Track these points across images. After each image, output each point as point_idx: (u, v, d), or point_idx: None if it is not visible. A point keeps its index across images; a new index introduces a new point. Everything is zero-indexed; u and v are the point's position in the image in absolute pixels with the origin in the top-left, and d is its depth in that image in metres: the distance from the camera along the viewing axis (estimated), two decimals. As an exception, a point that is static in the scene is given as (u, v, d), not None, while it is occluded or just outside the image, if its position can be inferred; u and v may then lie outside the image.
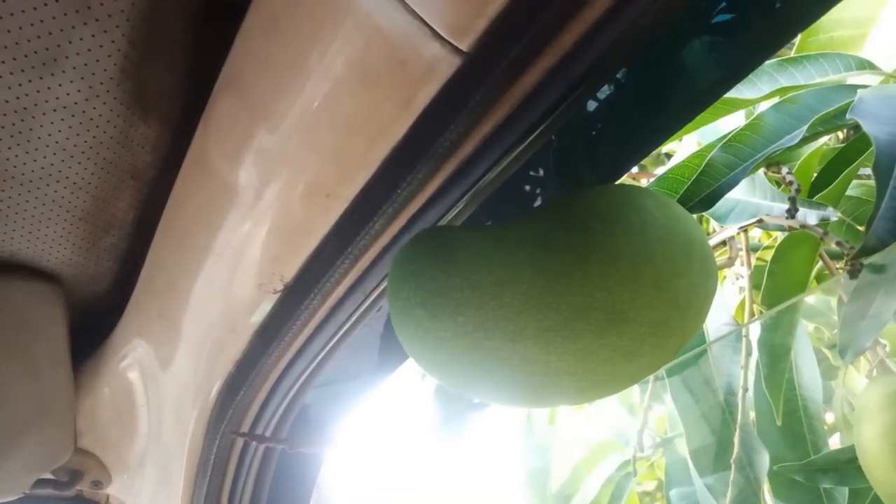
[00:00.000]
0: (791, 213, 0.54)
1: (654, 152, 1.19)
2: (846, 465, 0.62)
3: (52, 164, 0.44)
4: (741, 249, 0.69)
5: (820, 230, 0.56)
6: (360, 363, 0.64)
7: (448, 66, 0.32)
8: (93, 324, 0.60)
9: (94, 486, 0.70)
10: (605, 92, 0.43)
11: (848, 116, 0.45)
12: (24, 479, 0.63)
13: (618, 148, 0.42)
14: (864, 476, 0.59)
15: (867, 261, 0.49)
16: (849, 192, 0.64)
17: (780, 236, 0.70)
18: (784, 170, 0.61)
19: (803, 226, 0.56)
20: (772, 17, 0.40)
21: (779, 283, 0.64)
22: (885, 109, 0.45)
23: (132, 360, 0.60)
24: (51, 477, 0.68)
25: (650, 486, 1.37)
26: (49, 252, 0.51)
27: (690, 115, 0.40)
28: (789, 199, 0.55)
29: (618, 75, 0.42)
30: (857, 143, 0.64)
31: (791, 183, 0.57)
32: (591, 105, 0.43)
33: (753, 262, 0.69)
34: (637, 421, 0.89)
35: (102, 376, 0.62)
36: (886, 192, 0.41)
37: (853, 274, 0.45)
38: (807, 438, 0.68)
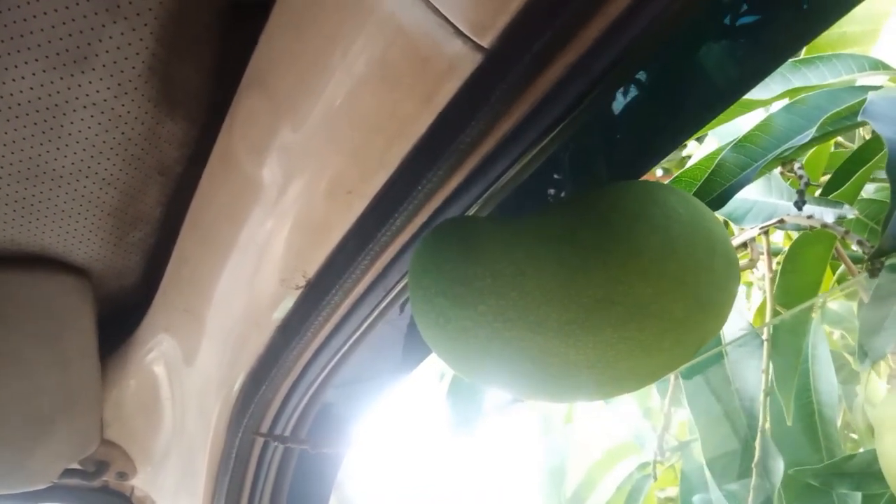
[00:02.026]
0: (799, 204, 0.54)
1: (679, 156, 1.18)
2: (862, 470, 0.61)
3: (81, 161, 0.45)
4: (762, 252, 0.68)
5: (840, 229, 0.56)
6: (381, 361, 0.64)
7: (469, 63, 0.33)
8: (120, 317, 0.61)
9: (119, 478, 0.72)
10: (625, 91, 0.43)
11: (859, 118, 0.45)
12: (53, 469, 0.64)
13: (637, 148, 0.42)
14: (879, 481, 0.58)
15: (888, 261, 0.49)
16: (871, 196, 0.63)
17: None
18: (796, 165, 0.60)
19: (823, 224, 0.56)
20: (794, 17, 0.40)
21: (791, 283, 0.63)
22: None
23: (158, 353, 0.61)
24: (78, 467, 0.69)
25: (672, 492, 1.36)
26: (78, 247, 0.52)
27: (710, 115, 0.40)
28: (798, 191, 0.55)
29: (639, 73, 0.42)
30: (873, 143, 0.63)
31: (801, 177, 0.57)
32: (611, 104, 0.43)
33: (775, 265, 0.69)
34: (654, 424, 0.88)
35: (129, 369, 0.64)
36: (902, 192, 0.40)
37: (873, 273, 0.44)
38: (821, 443, 0.67)
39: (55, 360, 0.56)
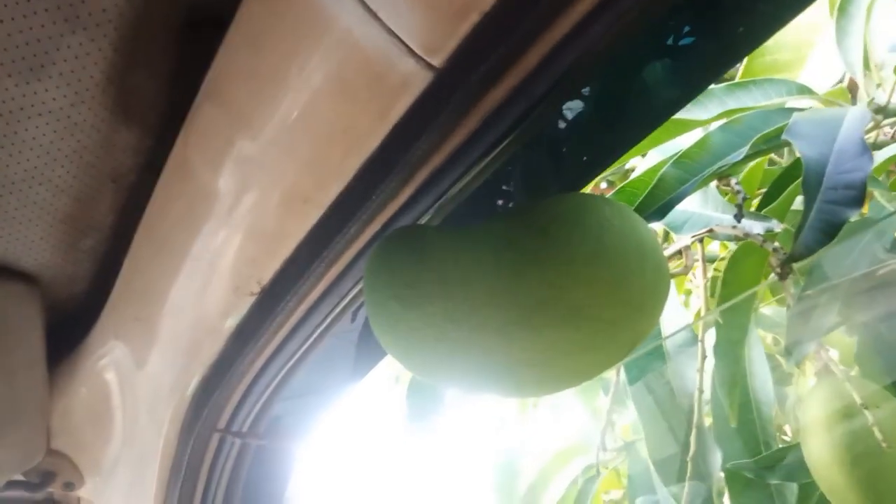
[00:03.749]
0: (738, 218, 0.58)
1: (623, 170, 1.23)
2: (795, 462, 0.65)
3: (35, 167, 0.45)
4: (697, 260, 0.73)
5: (760, 237, 0.61)
6: (336, 366, 0.65)
7: (421, 80, 0.35)
8: (69, 325, 0.61)
9: (65, 488, 0.70)
10: (570, 108, 0.46)
11: (783, 137, 0.49)
12: (-5, 481, 0.63)
13: (580, 160, 0.45)
14: (810, 472, 0.62)
15: (798, 265, 0.53)
16: (797, 207, 0.68)
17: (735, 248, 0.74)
18: (733, 181, 0.66)
19: (747, 234, 0.60)
20: (724, 40, 0.43)
21: (731, 291, 0.68)
22: (815, 131, 0.49)
23: (108, 361, 0.61)
24: (22, 478, 0.68)
25: (617, 494, 1.39)
26: (28, 254, 0.52)
27: (646, 130, 0.43)
28: (736, 205, 0.59)
29: (582, 91, 0.45)
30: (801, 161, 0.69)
31: (738, 192, 0.62)
32: (556, 120, 0.46)
33: (711, 272, 0.73)
34: (599, 423, 0.92)
35: (78, 377, 0.63)
36: (814, 205, 0.45)
37: (782, 276, 0.48)
38: (759, 439, 0.72)
39: (0, 370, 0.56)
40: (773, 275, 0.63)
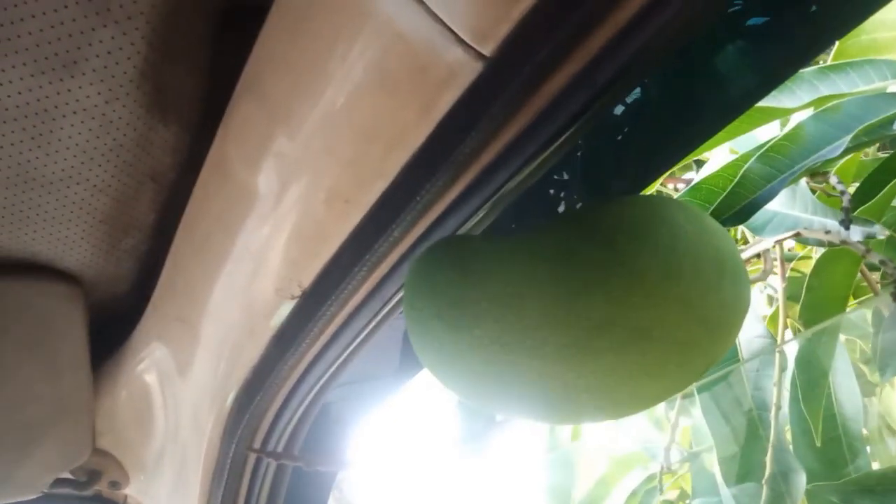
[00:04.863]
0: (845, 224, 0.51)
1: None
2: (885, 487, 0.59)
3: (72, 167, 0.44)
4: (776, 260, 0.66)
5: (862, 247, 0.54)
6: (381, 364, 0.63)
7: (470, 71, 0.32)
8: (113, 325, 0.60)
9: (112, 487, 0.70)
10: (634, 98, 0.42)
11: None
12: (43, 479, 0.63)
13: (646, 156, 0.41)
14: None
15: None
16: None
17: (816, 247, 0.68)
18: (833, 179, 0.58)
19: (844, 242, 0.54)
20: (808, 22, 0.39)
21: (818, 299, 0.61)
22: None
23: (150, 362, 0.60)
24: (69, 476, 0.68)
25: (672, 494, 1.34)
26: (69, 254, 0.51)
27: (722, 123, 0.39)
28: (842, 209, 0.52)
29: (648, 81, 0.41)
30: None
31: (843, 193, 0.54)
32: (620, 111, 0.42)
33: (788, 272, 0.67)
34: (663, 435, 0.87)
35: (121, 378, 0.63)
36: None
37: None
38: (847, 458, 0.65)
39: (46, 369, 0.55)
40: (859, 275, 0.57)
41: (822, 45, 0.41)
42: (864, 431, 0.91)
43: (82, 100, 0.40)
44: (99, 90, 0.39)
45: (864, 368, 0.86)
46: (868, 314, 0.79)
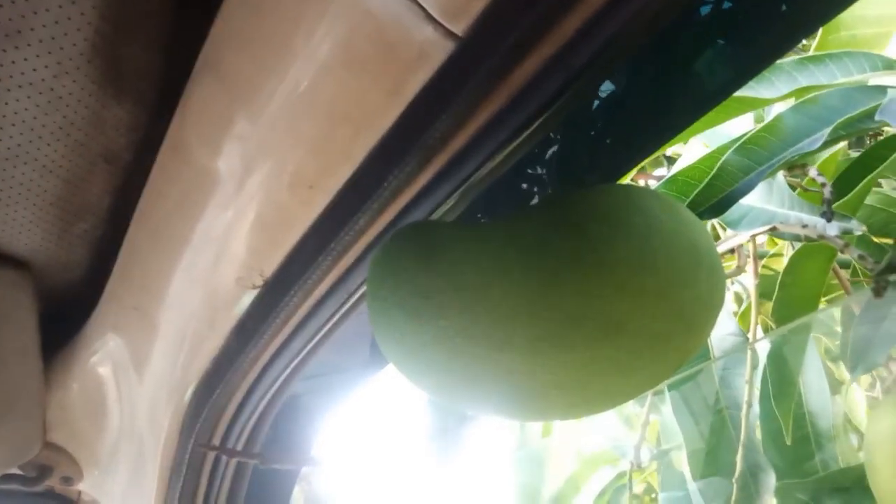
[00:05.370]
0: (827, 217, 0.50)
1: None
2: (854, 486, 0.59)
3: (18, 145, 0.41)
4: (748, 257, 0.66)
5: (840, 242, 0.53)
6: (349, 356, 0.61)
7: (441, 51, 0.30)
8: (65, 314, 0.57)
9: (64, 482, 0.67)
10: (608, 88, 0.41)
11: (877, 118, 0.42)
12: (-10, 474, 0.60)
13: (620, 147, 0.40)
14: (872, 497, 0.56)
15: (893, 278, 0.47)
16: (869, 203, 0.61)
17: (787, 244, 0.68)
18: (813, 171, 0.57)
19: (822, 236, 0.53)
20: (782, 16, 0.38)
21: (791, 296, 0.61)
22: (919, 112, 0.42)
23: (105, 353, 0.57)
24: (18, 472, 0.65)
25: (638, 489, 1.35)
26: (18, 237, 0.49)
27: (697, 114, 0.38)
28: (824, 201, 0.51)
29: (622, 69, 0.40)
30: (879, 148, 0.60)
31: (824, 185, 0.54)
32: (594, 101, 0.41)
33: (759, 269, 0.66)
34: (633, 433, 0.87)
35: (74, 369, 0.60)
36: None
37: (878, 292, 0.42)
38: (815, 457, 0.65)
39: (-8, 359, 0.53)
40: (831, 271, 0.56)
41: (797, 38, 0.40)
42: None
43: (28, 73, 0.37)
44: (46, 63, 0.37)
45: (832, 366, 0.87)
46: (836, 312, 0.80)
